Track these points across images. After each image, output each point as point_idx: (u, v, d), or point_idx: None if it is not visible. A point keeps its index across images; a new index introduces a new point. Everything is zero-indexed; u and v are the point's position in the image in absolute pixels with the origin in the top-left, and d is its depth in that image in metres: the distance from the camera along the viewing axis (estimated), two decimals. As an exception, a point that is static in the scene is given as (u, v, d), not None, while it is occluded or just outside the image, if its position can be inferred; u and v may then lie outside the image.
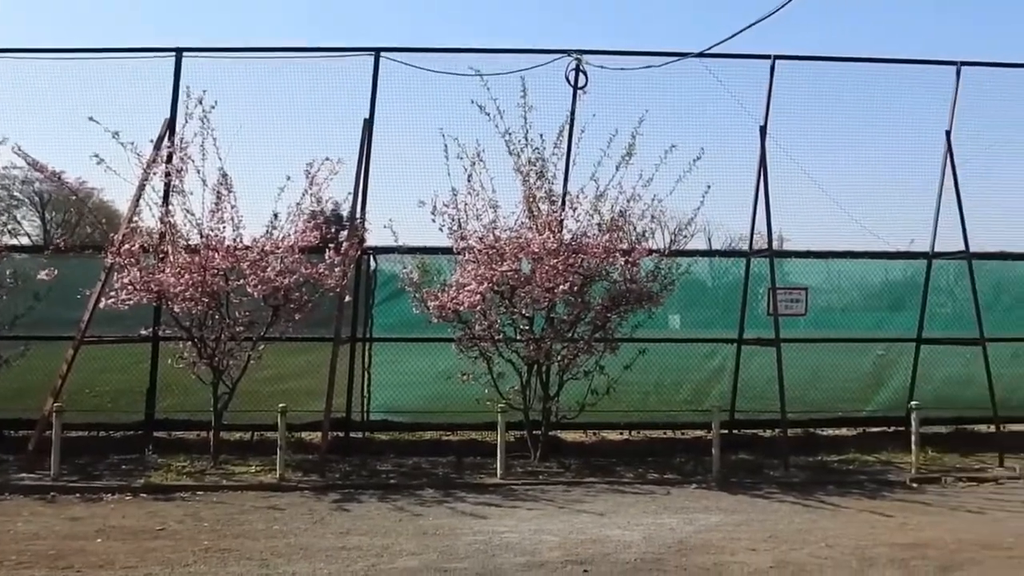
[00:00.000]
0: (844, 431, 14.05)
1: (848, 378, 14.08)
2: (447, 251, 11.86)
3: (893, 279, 14.31)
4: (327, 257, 11.27)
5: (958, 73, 13.20)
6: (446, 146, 11.18)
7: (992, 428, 12.86)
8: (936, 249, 13.61)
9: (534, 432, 12.01)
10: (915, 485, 10.81)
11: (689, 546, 7.86)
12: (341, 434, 12.71)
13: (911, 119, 13.98)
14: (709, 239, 15.27)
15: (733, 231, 13.89)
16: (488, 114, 11.15)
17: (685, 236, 12.00)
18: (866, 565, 7.26)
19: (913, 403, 11.89)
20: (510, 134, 11.30)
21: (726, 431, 12.77)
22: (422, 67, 12.15)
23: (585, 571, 7.07)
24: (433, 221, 11.42)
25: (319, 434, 11.64)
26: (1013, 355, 14.08)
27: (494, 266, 11.09)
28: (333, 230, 11.91)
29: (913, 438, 11.55)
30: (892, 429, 13.74)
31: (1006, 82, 13.59)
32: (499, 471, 10.87)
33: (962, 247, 12.87)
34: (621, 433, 13.59)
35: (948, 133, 13.21)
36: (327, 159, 11.28)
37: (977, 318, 12.64)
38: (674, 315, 13.85)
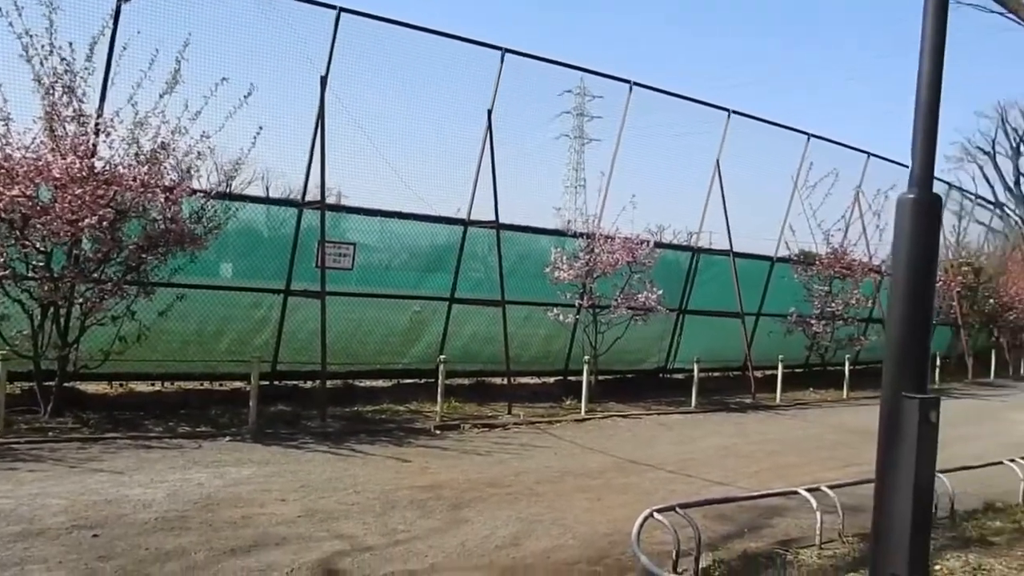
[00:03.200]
0: (381, 383, 14.76)
1: (388, 333, 14.79)
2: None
3: (438, 243, 15.30)
4: None
5: (502, 58, 14.45)
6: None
7: (505, 381, 14.56)
8: (472, 217, 14.85)
9: (46, 383, 10.59)
10: (438, 432, 11.75)
11: (217, 500, 7.56)
12: None
13: (464, 94, 15.04)
14: (267, 187, 14.78)
15: (294, 183, 13.61)
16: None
17: (233, 177, 11.45)
18: (389, 508, 7.67)
19: (442, 357, 12.93)
20: (31, 36, 9.65)
21: (267, 382, 12.62)
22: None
23: (95, 535, 6.39)
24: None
25: None
26: (526, 317, 16.05)
27: (2, 189, 9.43)
28: None
29: (439, 389, 12.59)
30: (424, 381, 14.76)
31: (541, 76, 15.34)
32: (-4, 428, 9.39)
33: (494, 218, 14.22)
34: (153, 384, 12.67)
35: (489, 112, 14.43)
36: None
37: (500, 283, 14.11)
38: (227, 263, 13.23)
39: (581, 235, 15.52)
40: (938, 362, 23.60)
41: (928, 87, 4.40)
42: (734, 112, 18.16)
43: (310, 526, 6.98)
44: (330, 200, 13.34)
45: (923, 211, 4.34)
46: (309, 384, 13.55)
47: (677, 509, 5.68)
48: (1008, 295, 27.97)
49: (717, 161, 18.09)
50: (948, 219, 28.02)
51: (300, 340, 13.34)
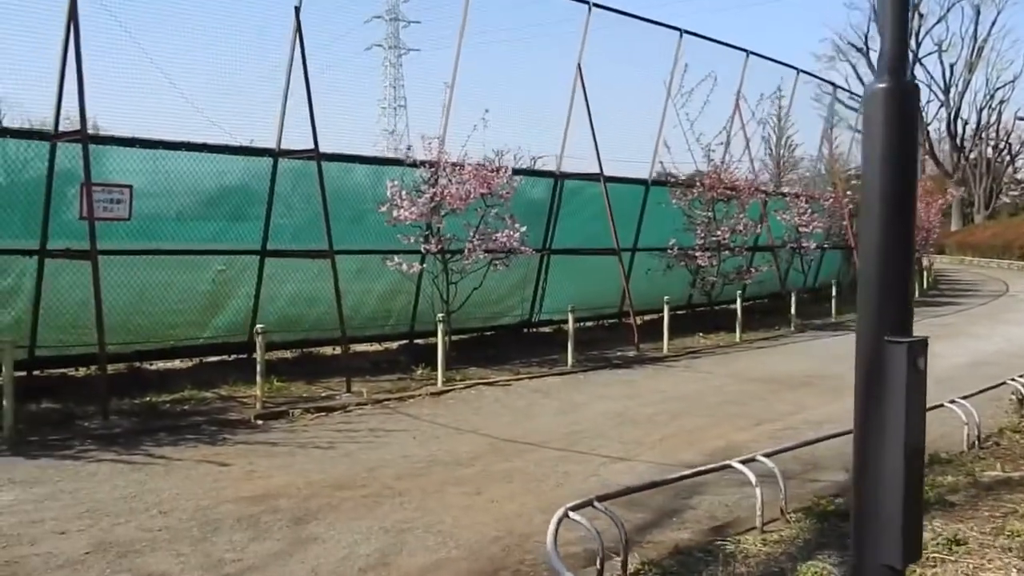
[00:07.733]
0: (178, 363, 13.90)
1: (182, 299, 13.78)
2: None
3: (229, 184, 14.21)
4: None
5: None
6: None
7: (338, 350, 13.89)
8: (283, 147, 13.92)
9: None
10: (260, 422, 11.07)
11: (-33, 543, 6.67)
12: None
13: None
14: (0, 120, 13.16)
15: (35, 115, 12.25)
16: None
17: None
18: (210, 530, 7.02)
19: (260, 326, 12.08)
20: None
21: (24, 373, 11.56)
22: None
23: None
24: None
25: None
26: (359, 270, 15.38)
27: None
28: None
29: (258, 367, 11.80)
30: (233, 357, 13.99)
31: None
32: None
33: (312, 146, 13.36)
34: None
35: (297, 9, 13.48)
36: None
37: (327, 228, 13.32)
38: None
39: (423, 163, 14.92)
40: (833, 291, 24.85)
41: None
42: (595, 5, 17.88)
43: (104, 566, 6.25)
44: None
45: (899, 103, 4.10)
46: (83, 371, 12.55)
47: (595, 503, 5.38)
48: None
49: (579, 65, 17.81)
50: (821, 126, 29.38)
51: (66, 315, 12.18)
